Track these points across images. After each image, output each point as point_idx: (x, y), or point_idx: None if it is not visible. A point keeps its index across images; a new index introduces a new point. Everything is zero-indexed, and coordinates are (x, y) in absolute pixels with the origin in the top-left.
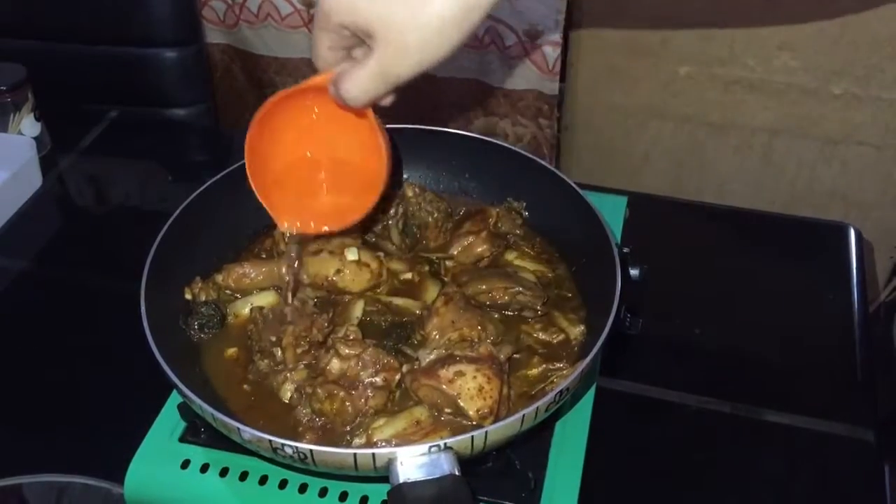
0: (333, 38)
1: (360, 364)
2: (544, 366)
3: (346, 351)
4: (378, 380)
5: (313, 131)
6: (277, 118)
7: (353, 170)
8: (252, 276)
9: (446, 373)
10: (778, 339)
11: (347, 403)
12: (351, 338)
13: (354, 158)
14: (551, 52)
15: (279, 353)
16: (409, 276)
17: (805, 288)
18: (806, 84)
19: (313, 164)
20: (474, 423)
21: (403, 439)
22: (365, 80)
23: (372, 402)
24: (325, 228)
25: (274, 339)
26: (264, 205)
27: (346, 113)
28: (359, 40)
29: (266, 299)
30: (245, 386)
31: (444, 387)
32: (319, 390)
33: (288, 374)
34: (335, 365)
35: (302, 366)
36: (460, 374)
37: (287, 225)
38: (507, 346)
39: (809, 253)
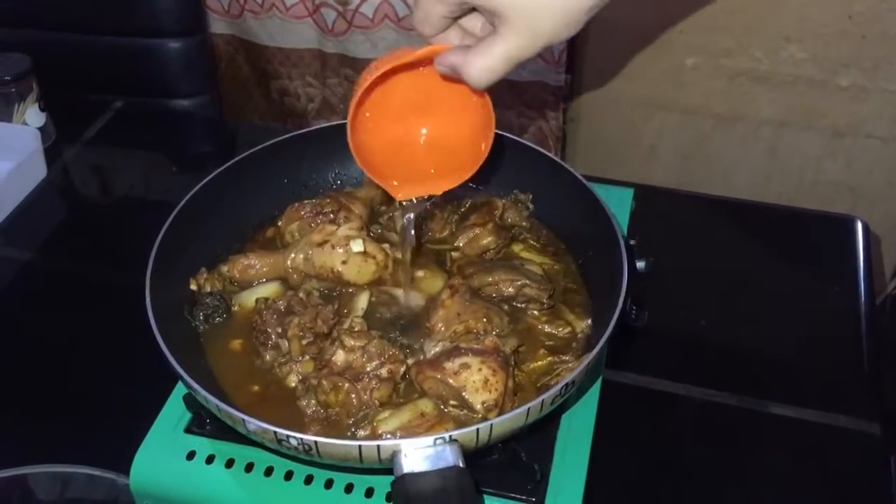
0: (453, 9)
1: (365, 356)
2: (550, 358)
3: (352, 343)
4: (383, 372)
5: (413, 99)
6: (378, 90)
7: (455, 131)
8: (257, 267)
9: (451, 365)
10: (784, 332)
11: (352, 395)
12: (356, 329)
13: (455, 121)
14: (557, 43)
15: (285, 344)
16: (414, 267)
17: (811, 280)
18: (813, 76)
19: (415, 130)
20: (479, 415)
21: (408, 431)
22: (492, 64)
23: (377, 393)
24: (446, 187)
25: (280, 330)
26: (375, 180)
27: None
28: (471, 10)
29: (271, 290)
30: (250, 377)
31: (449, 379)
32: (324, 382)
33: (293, 366)
34: (340, 356)
35: (307, 357)
36: (466, 366)
37: (403, 195)
38: (513, 339)
39: (816, 245)
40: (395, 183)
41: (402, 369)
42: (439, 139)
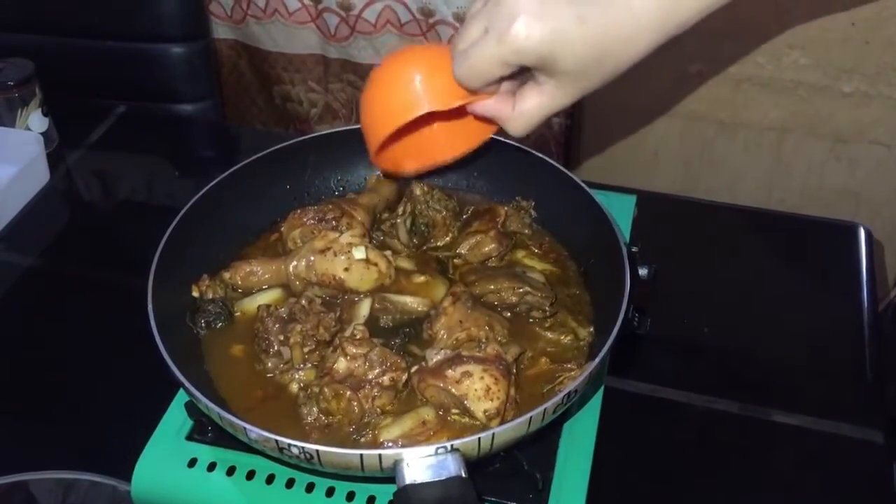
0: (511, 70)
1: (367, 363)
2: (552, 366)
3: (353, 350)
4: (385, 379)
5: None
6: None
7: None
8: (259, 273)
9: (453, 373)
10: (787, 339)
11: (354, 403)
12: (358, 337)
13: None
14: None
15: (287, 351)
16: (417, 274)
17: (814, 287)
18: (816, 82)
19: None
20: (481, 424)
21: (410, 439)
22: (536, 118)
23: (378, 401)
24: (457, 154)
25: (282, 337)
26: (390, 171)
27: None
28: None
29: (273, 297)
30: (251, 382)
31: (451, 387)
32: (326, 389)
33: (295, 374)
34: (342, 364)
35: (309, 365)
36: (467, 374)
37: (411, 169)
38: (515, 347)
39: (819, 252)
40: (407, 164)
41: (404, 377)
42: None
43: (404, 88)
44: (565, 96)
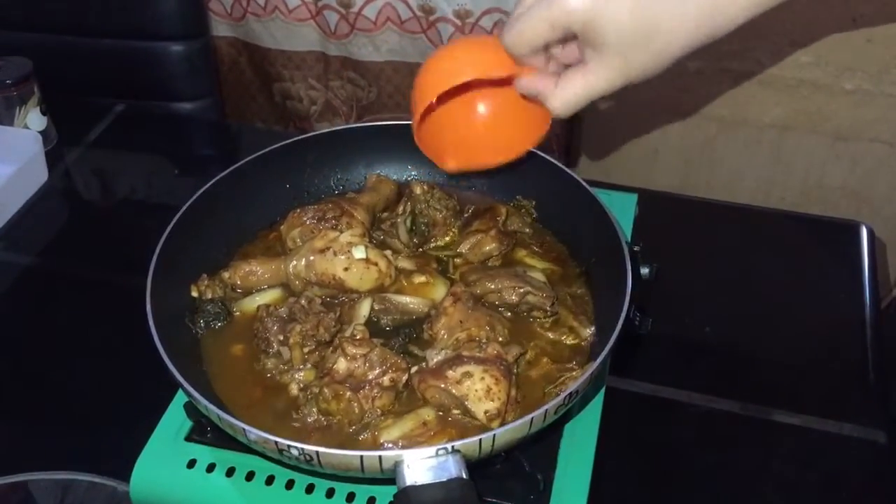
0: (558, 35)
1: (367, 364)
2: (554, 366)
3: (353, 351)
4: (385, 380)
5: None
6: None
7: (514, 109)
8: (259, 273)
9: (454, 374)
10: (788, 339)
11: (354, 403)
12: (358, 337)
13: (514, 97)
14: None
15: (286, 352)
16: (417, 274)
17: (816, 286)
18: (817, 79)
19: (473, 105)
20: (482, 424)
21: (410, 440)
22: (577, 98)
23: (378, 402)
24: (499, 160)
25: (281, 337)
26: (431, 158)
27: None
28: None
29: (273, 297)
30: (250, 382)
31: (451, 388)
32: (326, 390)
33: (295, 375)
34: (342, 365)
35: (309, 366)
36: (468, 375)
37: (455, 166)
38: (516, 347)
39: (821, 251)
40: (449, 160)
41: (404, 378)
42: (499, 113)
43: (450, 61)
44: (609, 78)
